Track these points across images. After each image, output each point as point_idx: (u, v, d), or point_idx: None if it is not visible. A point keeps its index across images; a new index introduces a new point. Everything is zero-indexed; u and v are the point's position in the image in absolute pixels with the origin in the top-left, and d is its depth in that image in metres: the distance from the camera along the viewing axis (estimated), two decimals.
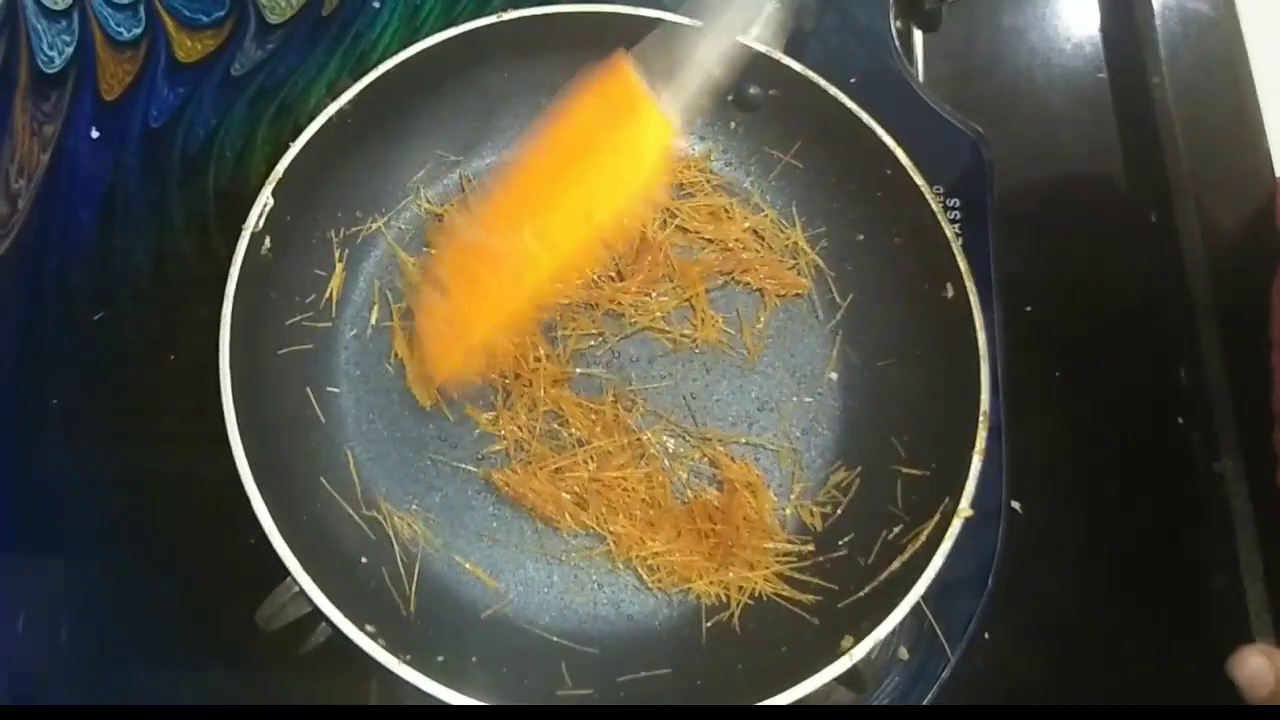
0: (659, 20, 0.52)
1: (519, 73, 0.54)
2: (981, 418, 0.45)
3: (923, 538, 0.44)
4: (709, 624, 0.47)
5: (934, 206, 0.49)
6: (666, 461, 0.50)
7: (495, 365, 0.49)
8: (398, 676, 0.39)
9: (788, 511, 0.49)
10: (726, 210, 0.55)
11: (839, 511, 0.49)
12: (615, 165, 0.42)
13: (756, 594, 0.47)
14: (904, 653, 0.47)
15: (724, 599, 0.47)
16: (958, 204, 0.56)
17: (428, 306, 0.47)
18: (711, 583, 0.47)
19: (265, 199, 0.46)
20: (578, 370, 0.51)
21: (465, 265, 0.45)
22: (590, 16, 0.52)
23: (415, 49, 0.50)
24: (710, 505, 0.48)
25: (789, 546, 0.48)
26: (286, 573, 0.40)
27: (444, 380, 0.48)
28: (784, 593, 0.46)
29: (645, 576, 0.47)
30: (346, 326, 0.52)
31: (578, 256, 0.44)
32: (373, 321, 0.52)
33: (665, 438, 0.50)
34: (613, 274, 0.53)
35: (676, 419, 0.51)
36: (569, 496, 0.48)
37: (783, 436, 0.51)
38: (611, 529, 0.47)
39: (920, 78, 0.61)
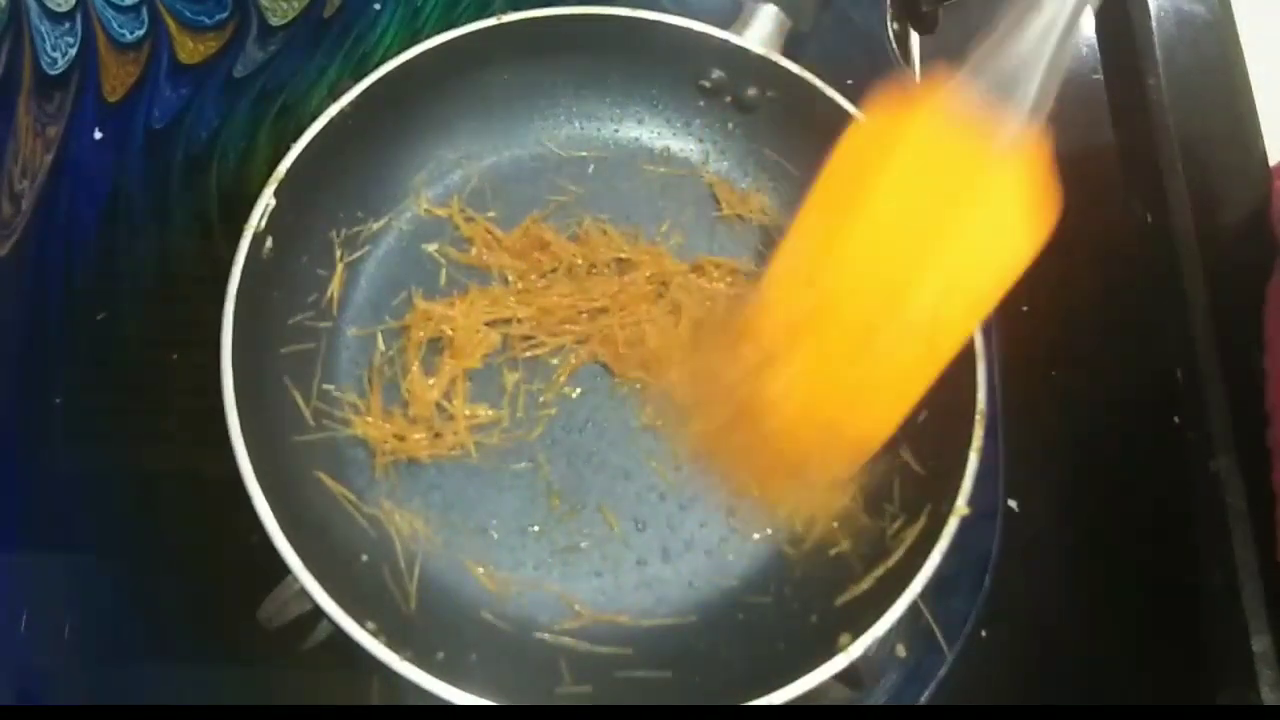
0: (658, 22, 0.52)
1: (519, 74, 0.55)
2: (978, 416, 0.45)
3: (920, 535, 0.44)
4: (708, 623, 0.47)
5: None
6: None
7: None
8: (398, 674, 0.40)
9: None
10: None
11: (837, 510, 0.49)
12: (975, 235, 0.36)
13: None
14: (901, 650, 0.47)
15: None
16: None
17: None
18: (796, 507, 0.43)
19: (267, 199, 0.47)
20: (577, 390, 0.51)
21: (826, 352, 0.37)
22: (589, 18, 0.53)
23: (416, 51, 0.50)
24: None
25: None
26: (288, 571, 0.41)
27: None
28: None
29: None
30: (348, 326, 0.52)
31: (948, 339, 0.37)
32: (372, 322, 0.52)
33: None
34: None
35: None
36: None
37: None
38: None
39: (917, 79, 0.62)
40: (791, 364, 0.39)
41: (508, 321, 0.51)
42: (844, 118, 0.51)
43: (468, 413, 0.50)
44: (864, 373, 0.38)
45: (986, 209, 0.36)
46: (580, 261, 0.53)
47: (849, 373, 0.38)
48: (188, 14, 0.61)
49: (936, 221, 0.36)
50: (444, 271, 0.53)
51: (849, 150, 0.39)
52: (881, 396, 0.39)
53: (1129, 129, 0.60)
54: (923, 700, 0.47)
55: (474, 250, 0.54)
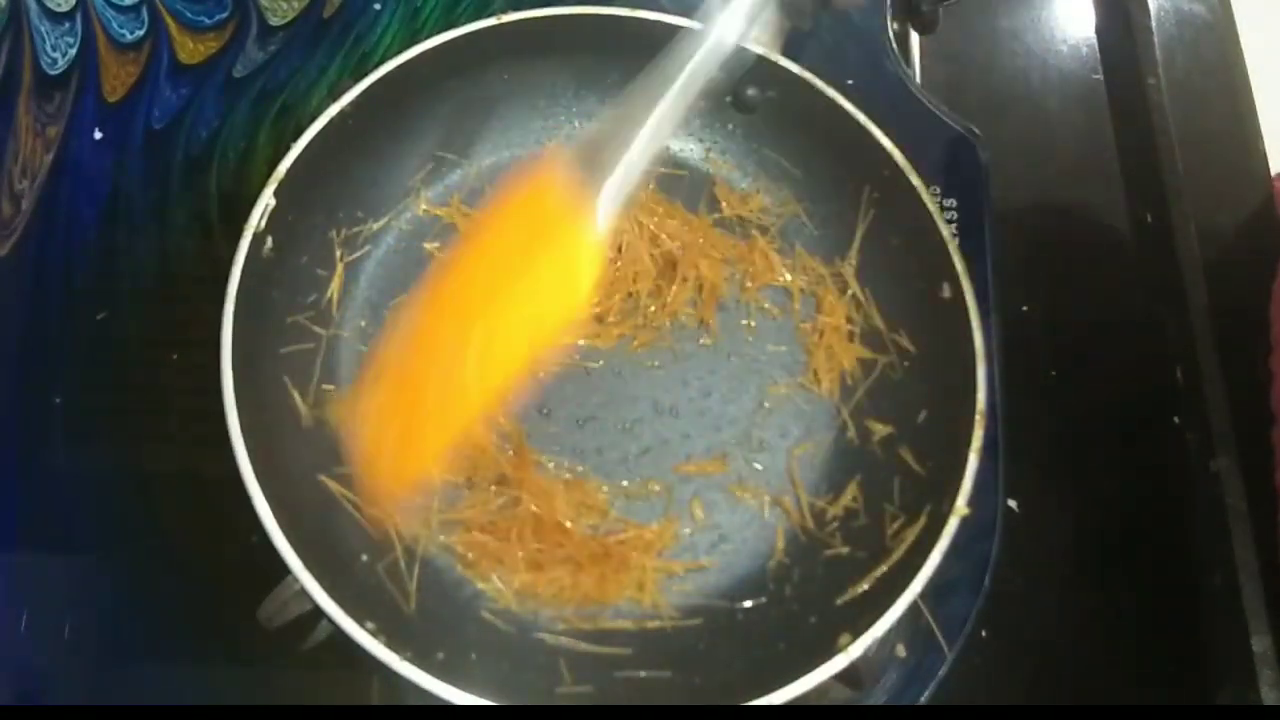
0: (657, 22, 0.52)
1: (518, 74, 0.55)
2: (978, 417, 0.45)
3: (920, 536, 0.44)
4: (708, 623, 0.47)
5: (931, 207, 0.49)
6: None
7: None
8: (398, 674, 0.40)
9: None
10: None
11: (836, 509, 0.49)
12: (546, 284, 0.41)
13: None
14: (901, 650, 0.47)
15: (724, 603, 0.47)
16: (955, 204, 0.56)
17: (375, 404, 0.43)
18: None
19: (267, 199, 0.47)
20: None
21: (409, 364, 0.43)
22: (589, 19, 0.53)
23: (415, 51, 0.50)
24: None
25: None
26: (288, 571, 0.41)
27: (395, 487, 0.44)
28: None
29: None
30: (347, 326, 0.52)
31: (505, 379, 0.42)
32: (372, 322, 0.52)
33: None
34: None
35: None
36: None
37: (780, 435, 0.51)
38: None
39: (917, 79, 0.62)
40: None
41: None
42: (844, 118, 0.51)
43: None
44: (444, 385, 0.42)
45: (547, 270, 0.41)
46: None
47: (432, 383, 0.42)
48: (188, 14, 0.61)
49: (514, 273, 0.41)
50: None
51: (497, 207, 0.44)
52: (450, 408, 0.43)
53: (1129, 129, 0.60)
54: (923, 700, 0.47)
55: None
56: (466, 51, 0.52)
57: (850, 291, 0.53)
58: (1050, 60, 0.63)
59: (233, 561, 0.46)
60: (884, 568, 0.45)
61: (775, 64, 0.52)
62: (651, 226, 0.53)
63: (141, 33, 0.61)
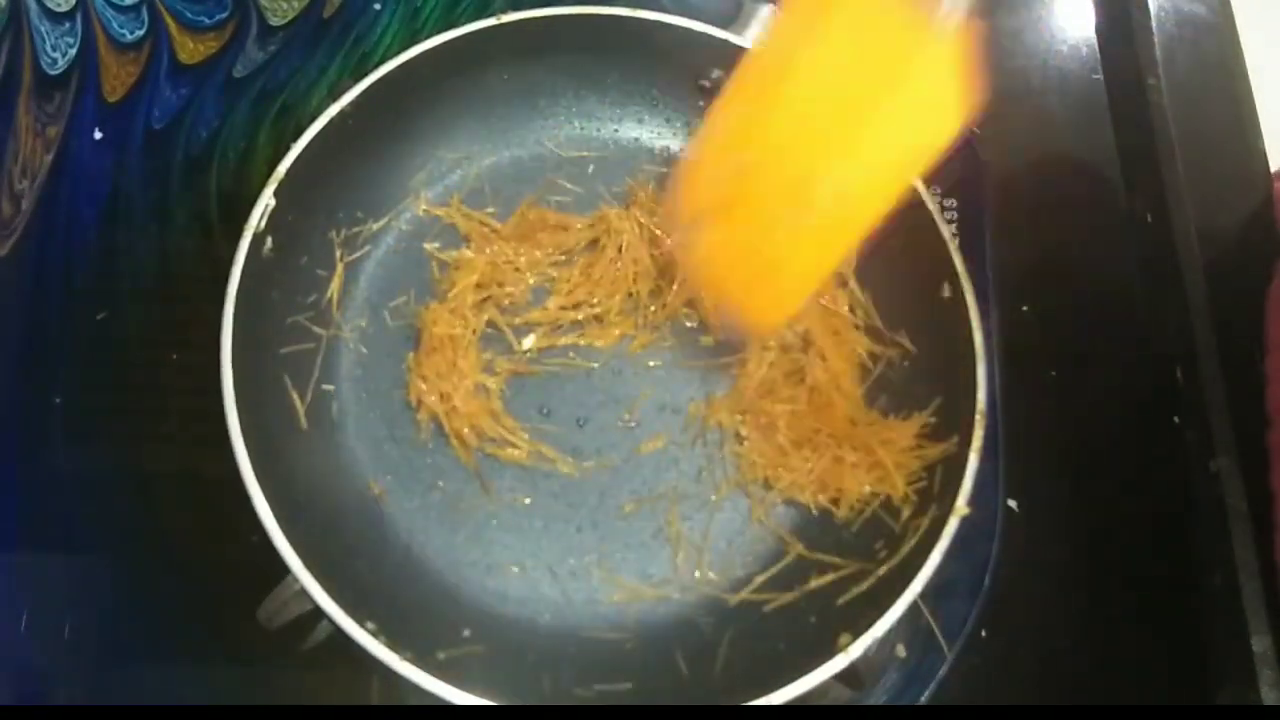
0: (657, 22, 0.52)
1: (518, 74, 0.55)
2: (978, 417, 0.45)
3: (920, 536, 0.44)
4: (708, 623, 0.47)
5: (931, 207, 0.49)
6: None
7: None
8: (398, 674, 0.40)
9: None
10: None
11: (837, 509, 0.49)
12: (899, 97, 0.36)
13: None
14: (901, 650, 0.47)
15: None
16: (954, 204, 0.56)
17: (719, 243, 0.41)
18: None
19: (267, 199, 0.47)
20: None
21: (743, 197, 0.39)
22: (589, 19, 0.53)
23: (416, 51, 0.51)
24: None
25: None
26: (288, 571, 0.41)
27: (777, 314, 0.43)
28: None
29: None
30: (347, 326, 0.52)
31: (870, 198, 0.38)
32: (372, 322, 0.52)
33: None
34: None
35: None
36: None
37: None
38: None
39: None
40: (719, 226, 0.41)
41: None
42: None
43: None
44: (787, 234, 0.40)
45: (910, 87, 0.37)
46: (576, 243, 0.53)
47: (772, 234, 0.40)
48: (188, 14, 0.61)
49: (860, 96, 0.37)
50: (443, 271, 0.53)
51: (781, 27, 0.40)
52: (805, 255, 0.41)
53: (1129, 129, 0.60)
54: (923, 700, 0.47)
55: (471, 244, 0.54)
56: (466, 51, 0.52)
57: (850, 291, 0.53)
58: (1050, 60, 0.63)
59: (233, 561, 0.46)
60: (884, 567, 0.45)
61: None
62: (651, 226, 0.53)
63: (141, 33, 0.61)
